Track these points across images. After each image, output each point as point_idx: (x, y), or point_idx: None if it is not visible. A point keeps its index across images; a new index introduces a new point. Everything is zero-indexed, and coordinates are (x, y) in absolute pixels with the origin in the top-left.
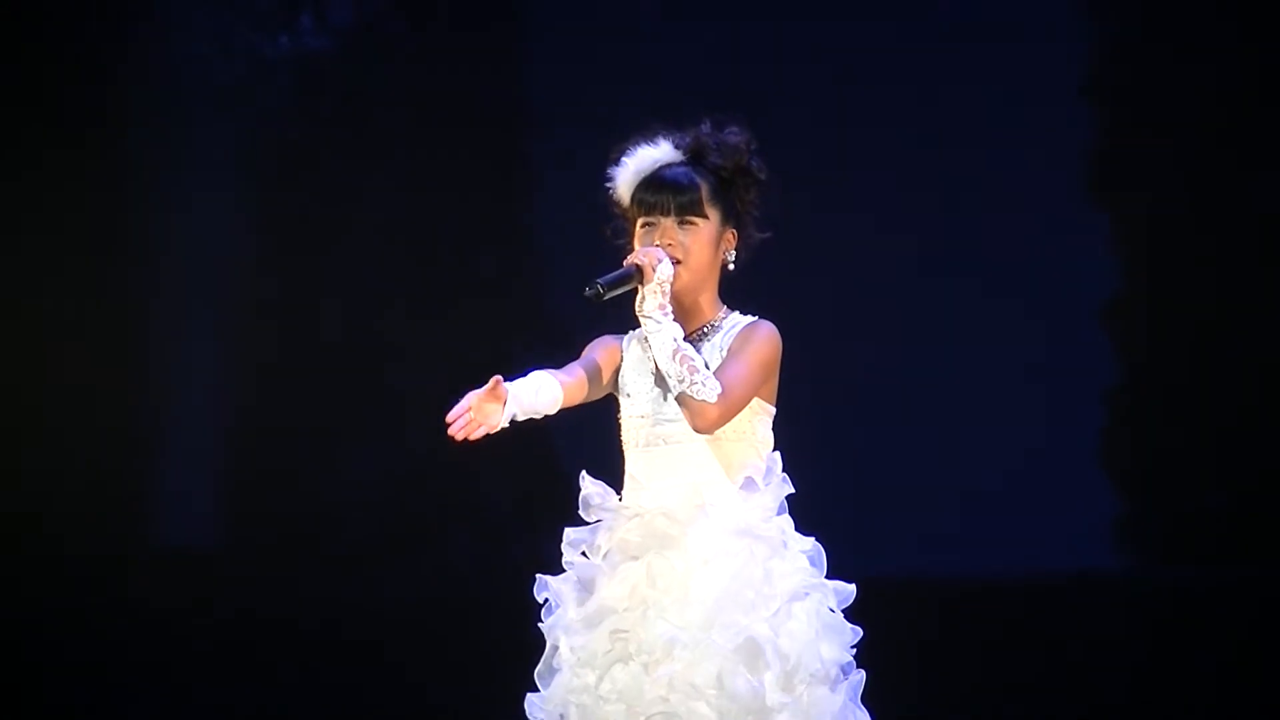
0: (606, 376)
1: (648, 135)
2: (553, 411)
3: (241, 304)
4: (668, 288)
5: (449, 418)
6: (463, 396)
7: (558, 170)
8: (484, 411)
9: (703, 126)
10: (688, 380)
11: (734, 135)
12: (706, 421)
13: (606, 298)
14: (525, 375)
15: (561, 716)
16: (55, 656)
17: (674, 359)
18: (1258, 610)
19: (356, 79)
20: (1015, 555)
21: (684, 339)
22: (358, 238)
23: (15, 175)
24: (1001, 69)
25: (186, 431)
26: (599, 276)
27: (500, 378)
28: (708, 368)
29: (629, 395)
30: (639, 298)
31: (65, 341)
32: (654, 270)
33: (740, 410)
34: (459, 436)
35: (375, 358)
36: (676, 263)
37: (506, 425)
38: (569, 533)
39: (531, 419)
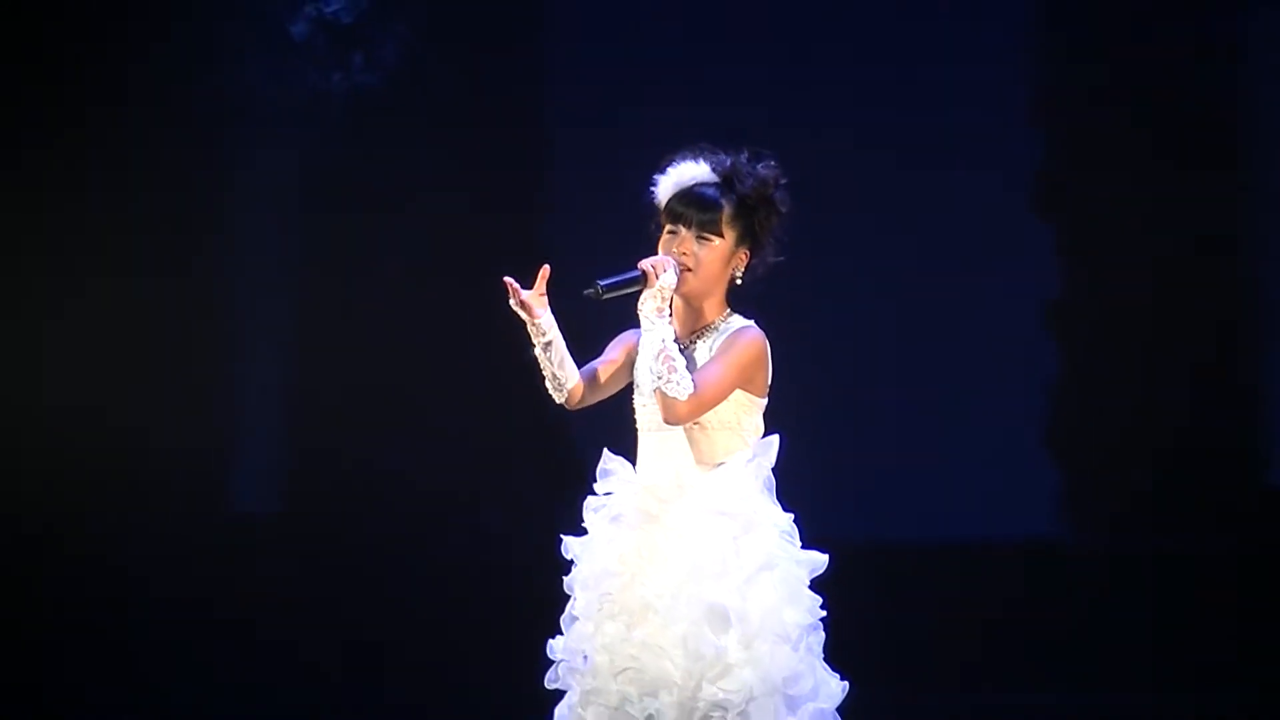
0: (625, 368)
1: (693, 152)
2: (569, 384)
3: (301, 301)
4: (668, 294)
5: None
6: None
7: (576, 182)
8: (531, 300)
9: (741, 155)
10: (665, 378)
11: (765, 169)
12: (675, 416)
13: (605, 298)
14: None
15: (585, 657)
16: (140, 607)
17: (657, 358)
18: (1182, 573)
19: (400, 109)
20: (969, 524)
21: (688, 337)
22: (399, 242)
23: (117, 180)
24: (959, 97)
25: (254, 413)
26: (600, 277)
27: (548, 269)
28: (689, 369)
29: (638, 385)
30: (641, 298)
31: (153, 329)
32: (658, 277)
33: (711, 407)
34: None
35: (413, 352)
36: (687, 270)
37: (544, 327)
38: (589, 500)
39: (553, 368)
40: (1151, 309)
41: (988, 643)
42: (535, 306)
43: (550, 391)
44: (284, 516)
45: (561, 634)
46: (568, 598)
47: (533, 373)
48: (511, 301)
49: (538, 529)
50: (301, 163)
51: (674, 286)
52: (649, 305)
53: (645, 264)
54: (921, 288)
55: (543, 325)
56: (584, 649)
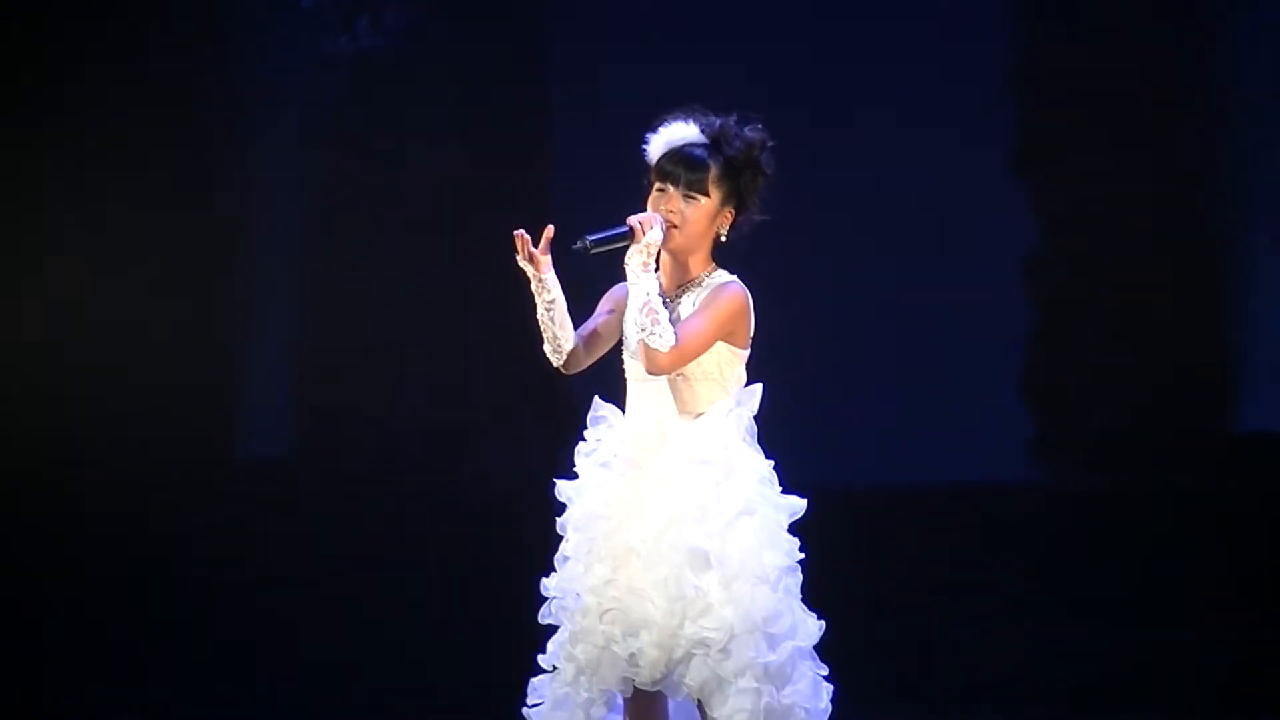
0: (617, 322)
1: (685, 113)
2: (567, 347)
3: (311, 257)
4: (655, 249)
5: (517, 230)
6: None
7: (577, 140)
8: (539, 256)
9: (730, 118)
10: (649, 330)
11: (753, 132)
12: (657, 366)
13: (593, 252)
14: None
15: (577, 595)
16: (157, 549)
17: (642, 310)
18: (1146, 512)
19: (404, 72)
20: (946, 469)
21: (674, 291)
22: (405, 198)
23: (142, 150)
24: (944, 66)
25: (266, 359)
26: (589, 231)
27: (552, 229)
28: (674, 322)
29: (625, 338)
30: (628, 254)
31: (161, 291)
32: (645, 233)
33: (693, 358)
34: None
35: (420, 302)
36: (673, 227)
37: (549, 284)
38: (581, 446)
39: (554, 329)
40: (1120, 265)
41: (963, 579)
42: (542, 263)
43: (549, 355)
44: (293, 460)
45: (555, 572)
46: (560, 538)
47: (532, 322)
48: (519, 257)
49: (536, 472)
50: (312, 121)
51: (660, 243)
52: (635, 260)
53: (633, 220)
54: (904, 244)
55: (548, 283)
56: (575, 589)
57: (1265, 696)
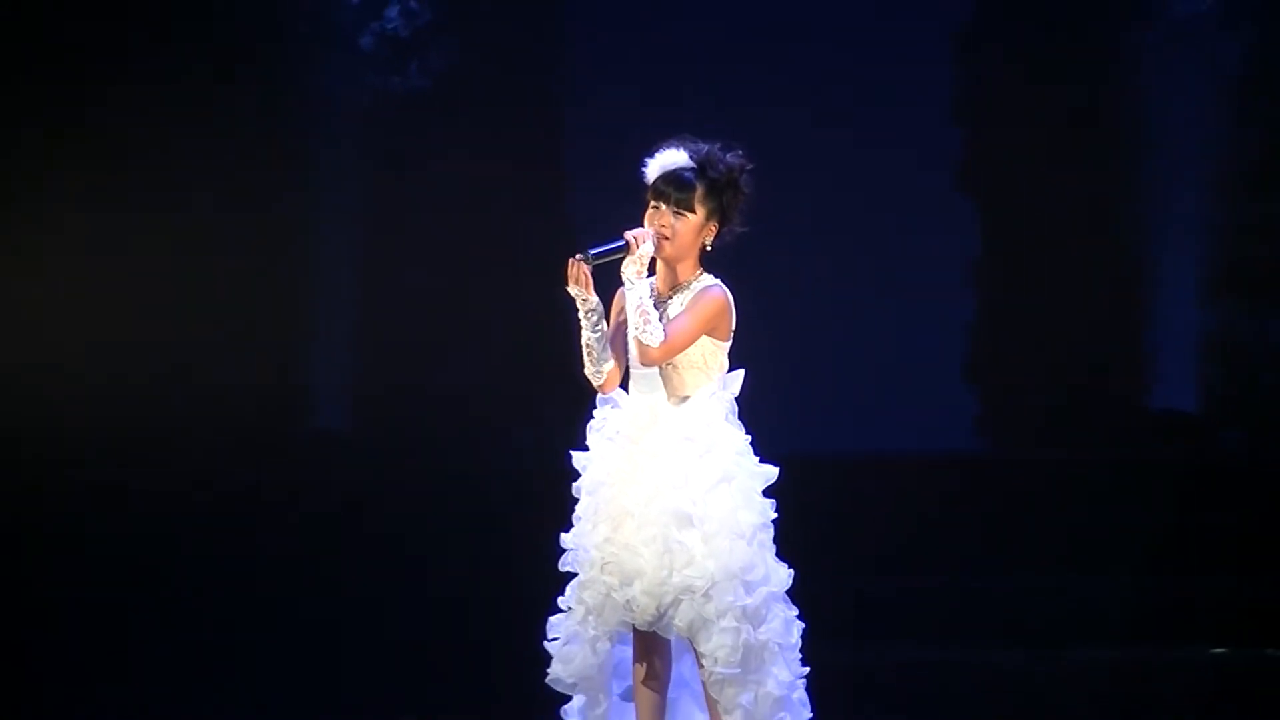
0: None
1: (677, 141)
2: (607, 368)
3: (368, 258)
4: (646, 260)
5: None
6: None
7: (591, 147)
8: (587, 282)
9: (716, 145)
10: (641, 328)
11: (734, 157)
12: (649, 359)
13: (594, 264)
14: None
15: (585, 549)
16: (233, 513)
17: (636, 311)
18: (1077, 479)
19: (445, 100)
20: (902, 440)
21: (667, 292)
22: (446, 207)
23: (230, 160)
24: (901, 96)
25: (328, 342)
26: (590, 245)
27: (581, 264)
28: (661, 320)
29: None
30: (624, 263)
31: (240, 285)
32: (639, 246)
33: (680, 351)
34: (580, 263)
35: (459, 297)
36: (665, 239)
37: (596, 307)
38: (591, 422)
39: (598, 351)
40: (1052, 268)
41: (915, 536)
42: (591, 289)
43: (589, 376)
44: (354, 431)
45: (573, 528)
46: (576, 500)
47: (556, 312)
48: (571, 285)
49: (557, 444)
50: (369, 141)
51: (651, 254)
52: (630, 269)
53: (629, 235)
54: (867, 250)
55: (596, 307)
56: (583, 544)
57: (1179, 633)
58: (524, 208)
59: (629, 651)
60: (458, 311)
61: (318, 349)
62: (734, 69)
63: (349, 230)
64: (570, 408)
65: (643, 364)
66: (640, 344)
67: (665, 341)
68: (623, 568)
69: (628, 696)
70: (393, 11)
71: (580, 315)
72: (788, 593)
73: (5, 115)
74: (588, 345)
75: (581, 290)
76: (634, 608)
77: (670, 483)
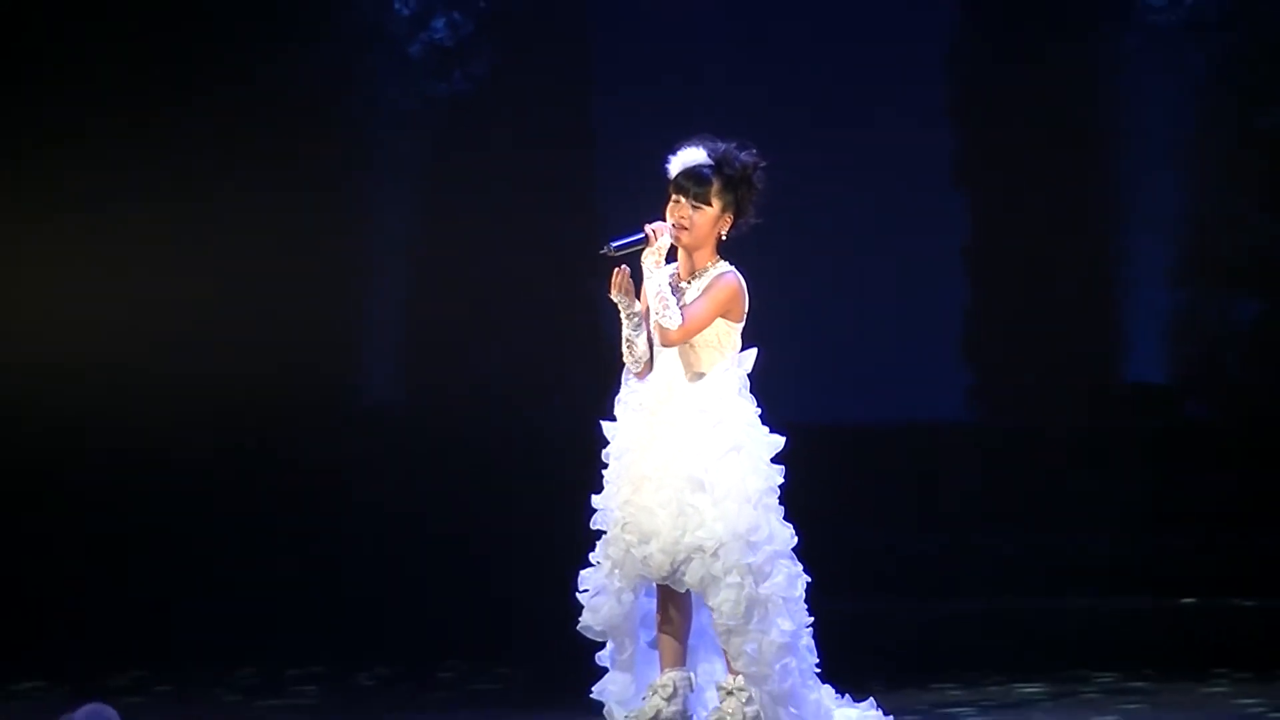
0: None
1: (696, 140)
2: (645, 358)
3: (418, 248)
4: (665, 251)
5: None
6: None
7: (618, 148)
8: (630, 289)
9: (732, 144)
10: (661, 313)
11: (749, 155)
12: (668, 340)
13: (616, 255)
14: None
15: (610, 510)
16: (295, 481)
17: (655, 297)
18: (1058, 446)
19: (486, 103)
20: (903, 410)
21: (687, 278)
22: (489, 199)
23: (296, 155)
24: (902, 104)
25: (380, 325)
26: (613, 238)
27: (624, 272)
28: (680, 305)
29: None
30: (644, 254)
31: (304, 269)
32: (657, 238)
33: (696, 333)
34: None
35: (503, 280)
36: (684, 230)
37: (638, 309)
38: (619, 395)
39: (640, 346)
40: (1037, 255)
41: (914, 497)
42: (634, 295)
43: (629, 365)
44: (406, 409)
45: (601, 490)
46: (605, 465)
47: (588, 297)
48: (614, 292)
49: (590, 414)
50: (419, 140)
51: (669, 245)
52: (649, 260)
53: (648, 228)
54: (875, 241)
55: (638, 309)
56: (609, 505)
57: (1150, 579)
58: (558, 201)
59: (654, 604)
60: (501, 296)
61: (368, 332)
62: (747, 71)
63: (405, 221)
64: (601, 381)
65: (662, 344)
66: (660, 327)
67: (683, 324)
68: (641, 527)
69: (654, 645)
70: (439, 23)
71: (623, 316)
72: (794, 550)
73: (67, 112)
74: (629, 341)
75: (624, 297)
76: (650, 564)
77: (684, 450)
